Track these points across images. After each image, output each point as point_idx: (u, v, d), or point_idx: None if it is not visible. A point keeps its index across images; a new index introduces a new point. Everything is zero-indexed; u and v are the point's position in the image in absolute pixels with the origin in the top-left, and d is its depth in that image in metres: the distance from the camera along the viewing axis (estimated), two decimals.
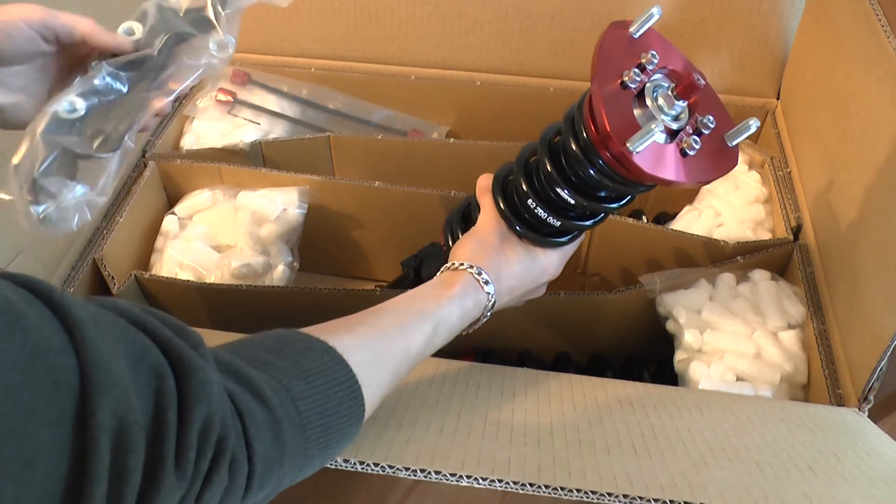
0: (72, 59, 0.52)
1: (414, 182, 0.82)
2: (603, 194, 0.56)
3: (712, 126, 0.51)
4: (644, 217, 0.92)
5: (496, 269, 0.56)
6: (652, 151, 0.49)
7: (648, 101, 0.51)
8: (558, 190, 0.56)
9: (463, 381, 0.58)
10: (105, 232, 0.79)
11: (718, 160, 0.52)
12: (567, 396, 0.58)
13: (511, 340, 0.81)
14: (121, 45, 0.50)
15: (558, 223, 0.58)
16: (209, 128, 0.95)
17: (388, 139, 0.92)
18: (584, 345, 0.81)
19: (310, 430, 0.39)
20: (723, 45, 0.90)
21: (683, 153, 0.50)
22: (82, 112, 0.48)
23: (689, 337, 0.69)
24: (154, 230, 0.86)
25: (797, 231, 0.77)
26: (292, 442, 0.38)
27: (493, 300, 0.55)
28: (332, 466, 0.47)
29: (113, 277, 0.75)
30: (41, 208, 0.47)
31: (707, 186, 0.86)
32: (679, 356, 0.70)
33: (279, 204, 0.84)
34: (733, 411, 0.58)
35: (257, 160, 0.92)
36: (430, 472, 0.47)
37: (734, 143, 0.53)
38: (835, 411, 0.60)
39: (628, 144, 0.47)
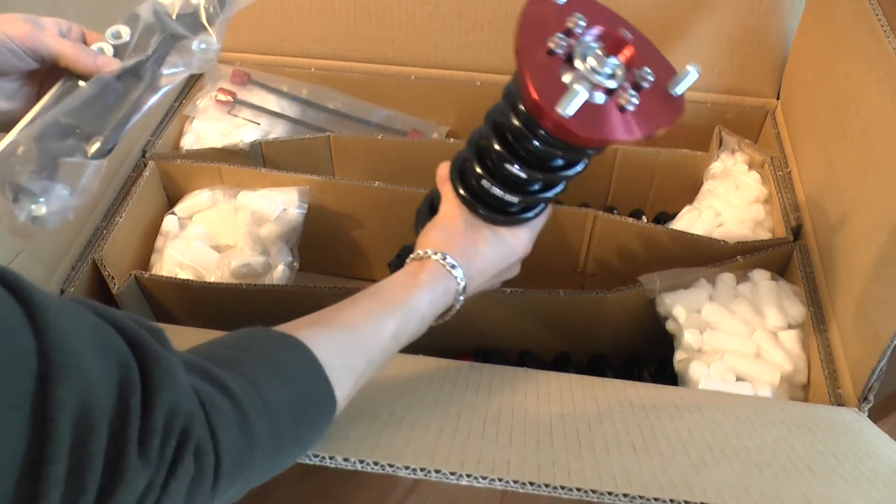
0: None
1: (414, 182, 0.82)
2: (556, 164, 0.56)
3: (652, 78, 0.51)
4: (644, 217, 0.92)
5: (464, 254, 0.56)
6: (588, 113, 0.48)
7: (578, 64, 0.50)
8: (508, 166, 0.56)
9: (463, 381, 0.58)
10: (105, 232, 0.79)
11: (664, 111, 0.51)
12: (567, 396, 0.58)
13: (511, 340, 0.81)
14: (104, 68, 0.50)
15: (516, 199, 0.58)
16: (209, 128, 0.95)
17: (388, 139, 0.92)
18: (584, 345, 0.81)
19: (277, 417, 0.39)
20: (723, 46, 0.90)
21: (622, 109, 0.49)
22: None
23: (689, 337, 0.69)
24: (154, 230, 0.86)
25: (797, 231, 0.77)
26: (260, 431, 0.38)
27: (462, 284, 0.55)
28: (332, 465, 0.47)
29: (113, 277, 0.75)
30: (24, 213, 0.47)
31: (707, 186, 0.86)
32: (679, 356, 0.70)
33: (279, 204, 0.84)
34: (733, 411, 0.58)
35: (257, 160, 0.92)
36: (429, 471, 0.47)
37: (679, 91, 0.52)
38: (835, 411, 0.60)
39: (557, 109, 0.47)
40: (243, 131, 0.94)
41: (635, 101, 0.49)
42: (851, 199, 0.68)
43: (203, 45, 0.52)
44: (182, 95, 0.98)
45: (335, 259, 0.96)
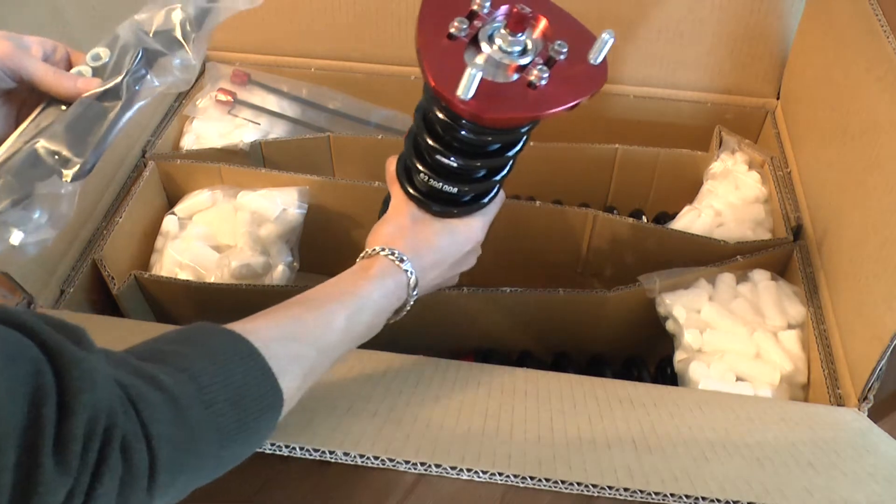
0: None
1: None
2: (492, 149, 0.55)
3: (566, 50, 0.50)
4: (644, 217, 0.92)
5: (413, 248, 0.56)
6: (493, 94, 0.47)
7: (484, 46, 0.49)
8: (441, 158, 0.55)
9: (463, 381, 0.58)
10: (105, 232, 0.79)
11: (583, 81, 0.50)
12: (567, 395, 0.58)
13: (511, 340, 0.81)
14: (84, 91, 0.49)
15: (458, 189, 0.57)
16: (209, 128, 0.95)
17: (388, 139, 0.92)
18: (583, 345, 0.81)
19: (216, 405, 0.38)
20: (723, 45, 0.90)
21: (531, 86, 0.49)
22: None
23: (689, 337, 0.69)
24: (154, 230, 0.86)
25: (797, 231, 0.77)
26: (198, 420, 0.37)
27: (412, 277, 0.55)
28: (333, 460, 0.47)
29: (113, 277, 0.75)
30: (1, 242, 0.47)
31: (707, 186, 0.86)
32: (679, 356, 0.70)
33: (279, 204, 0.84)
34: (733, 410, 0.58)
35: (257, 160, 0.92)
36: (430, 466, 0.47)
37: (598, 60, 0.51)
38: (835, 411, 0.60)
39: (458, 94, 0.46)
40: (243, 131, 0.94)
41: (545, 75, 0.48)
42: (851, 199, 0.68)
43: (180, 62, 0.53)
44: (182, 95, 0.98)
45: (335, 259, 0.95)
